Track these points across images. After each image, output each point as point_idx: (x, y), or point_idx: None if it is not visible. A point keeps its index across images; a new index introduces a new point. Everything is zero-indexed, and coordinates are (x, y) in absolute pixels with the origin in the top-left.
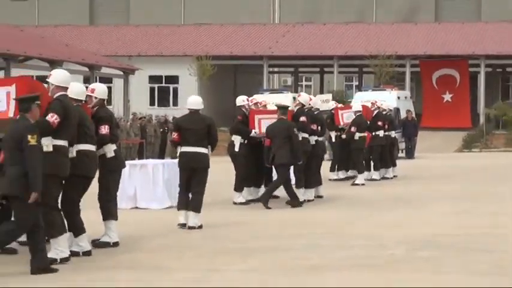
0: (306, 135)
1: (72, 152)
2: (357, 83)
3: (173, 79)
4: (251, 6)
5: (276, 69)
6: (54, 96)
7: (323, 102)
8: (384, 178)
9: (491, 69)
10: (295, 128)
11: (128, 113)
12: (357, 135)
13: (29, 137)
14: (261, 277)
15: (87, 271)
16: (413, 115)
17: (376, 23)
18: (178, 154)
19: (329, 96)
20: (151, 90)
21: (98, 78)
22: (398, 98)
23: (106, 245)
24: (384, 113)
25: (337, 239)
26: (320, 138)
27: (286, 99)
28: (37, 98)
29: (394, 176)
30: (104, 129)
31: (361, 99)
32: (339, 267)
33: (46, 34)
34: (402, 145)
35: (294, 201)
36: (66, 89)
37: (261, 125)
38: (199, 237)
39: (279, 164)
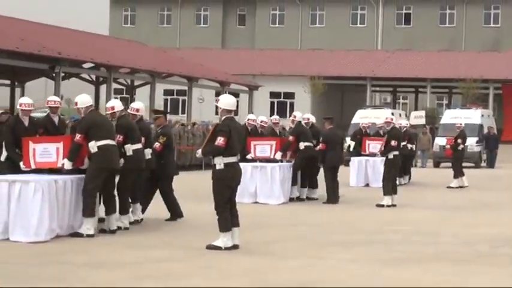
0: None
1: None
2: (447, 102)
3: (290, 95)
4: (357, 35)
5: (377, 89)
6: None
7: (416, 118)
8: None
9: None
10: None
11: None
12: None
13: None
14: (360, 266)
15: (197, 250)
16: (495, 131)
17: (465, 51)
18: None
19: (422, 112)
20: (272, 104)
21: (227, 93)
22: (482, 115)
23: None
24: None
25: (425, 236)
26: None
27: (386, 113)
28: None
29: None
30: None
31: (449, 116)
32: (428, 260)
33: (185, 55)
34: (485, 156)
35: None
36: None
37: (256, 150)
38: (308, 230)
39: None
